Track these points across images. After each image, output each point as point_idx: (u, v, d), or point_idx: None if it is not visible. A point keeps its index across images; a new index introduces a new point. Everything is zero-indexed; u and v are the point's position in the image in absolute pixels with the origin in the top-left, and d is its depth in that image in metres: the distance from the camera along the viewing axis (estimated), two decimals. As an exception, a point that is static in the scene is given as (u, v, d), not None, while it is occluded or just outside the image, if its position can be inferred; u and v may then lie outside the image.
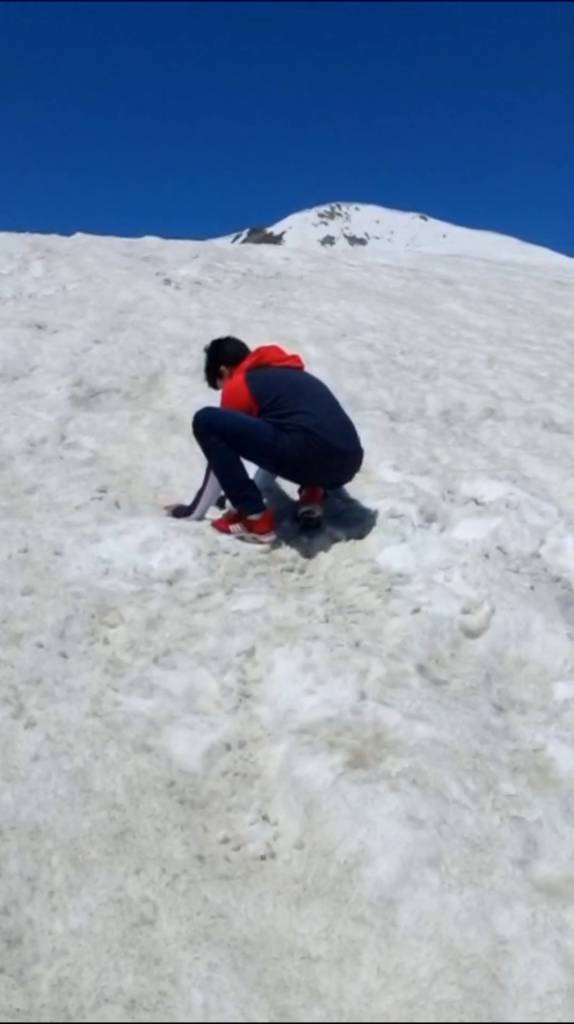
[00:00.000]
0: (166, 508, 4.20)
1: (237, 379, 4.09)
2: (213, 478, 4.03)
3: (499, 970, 1.83)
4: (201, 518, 4.06)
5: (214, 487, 4.06)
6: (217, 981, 1.78)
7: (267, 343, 4.42)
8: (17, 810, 2.14)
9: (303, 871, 2.09)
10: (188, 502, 4.17)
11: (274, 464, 4.05)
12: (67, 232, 14.93)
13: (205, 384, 4.56)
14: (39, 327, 7.56)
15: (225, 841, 2.18)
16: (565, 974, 1.81)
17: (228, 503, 4.16)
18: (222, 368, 4.33)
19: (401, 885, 1.99)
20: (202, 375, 4.56)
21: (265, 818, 2.26)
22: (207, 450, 3.97)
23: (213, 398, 4.30)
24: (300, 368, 4.26)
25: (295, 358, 4.30)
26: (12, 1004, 1.68)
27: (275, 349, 4.29)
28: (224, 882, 2.05)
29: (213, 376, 4.42)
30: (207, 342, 4.60)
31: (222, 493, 4.09)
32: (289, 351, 4.40)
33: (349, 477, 4.18)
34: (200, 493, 4.10)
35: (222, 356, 4.35)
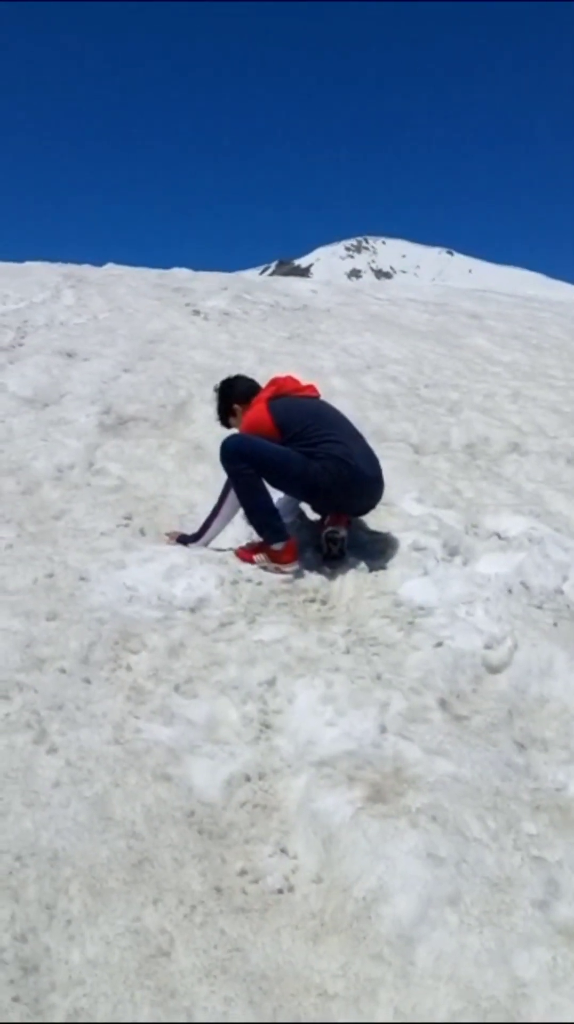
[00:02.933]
0: (169, 536, 4.20)
1: (258, 408, 4.11)
2: (226, 506, 4.05)
3: (518, 1013, 1.80)
4: (206, 544, 4.07)
5: (226, 515, 4.08)
6: (233, 1016, 1.77)
7: (291, 374, 4.46)
8: (37, 836, 2.15)
9: (321, 906, 2.07)
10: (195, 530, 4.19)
11: (303, 492, 4.08)
12: (99, 263, 15.18)
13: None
14: (70, 355, 7.68)
15: (243, 873, 2.17)
16: (586, 1020, 1.78)
17: (252, 532, 4.18)
18: (235, 406, 4.35)
19: (420, 924, 1.97)
20: None
21: (283, 851, 2.25)
22: (235, 477, 3.97)
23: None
24: (317, 397, 4.30)
25: (311, 387, 4.34)
26: (28, 1032, 1.68)
27: (291, 379, 4.33)
28: (241, 915, 2.04)
29: (226, 415, 4.43)
30: (227, 376, 4.62)
31: (232, 522, 4.11)
32: (316, 383, 4.45)
33: (373, 504, 4.21)
34: (210, 520, 4.11)
35: (234, 395, 4.37)
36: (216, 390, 4.50)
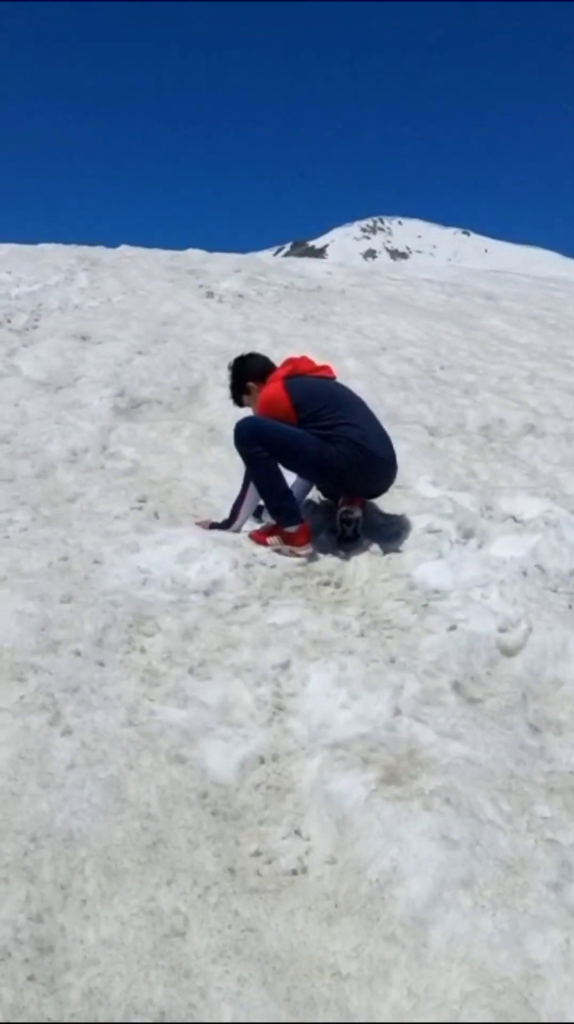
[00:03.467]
0: (200, 524, 4.19)
1: (274, 387, 4.08)
2: (252, 488, 4.05)
3: (531, 995, 1.80)
4: (239, 530, 4.08)
5: (253, 498, 4.07)
6: (246, 996, 1.78)
7: (304, 355, 4.43)
8: (52, 817, 2.16)
9: (335, 888, 2.08)
10: (221, 516, 4.18)
11: (319, 474, 4.07)
12: (113, 244, 15.14)
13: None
14: (84, 338, 7.67)
15: (257, 855, 2.18)
16: (599, 1002, 1.78)
17: (265, 515, 4.18)
18: (249, 384, 4.30)
19: (433, 906, 1.98)
20: None
21: (297, 833, 2.26)
22: (249, 460, 3.95)
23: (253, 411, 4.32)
24: (333, 378, 4.28)
25: (327, 368, 4.31)
26: (43, 1012, 1.69)
27: (306, 360, 4.30)
28: (255, 896, 2.05)
29: (239, 393, 4.38)
30: (240, 353, 4.60)
31: (260, 503, 4.10)
32: (331, 365, 4.42)
33: (387, 487, 4.19)
34: (239, 505, 4.11)
35: (248, 372, 4.32)
36: (230, 367, 4.46)
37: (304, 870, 2.15)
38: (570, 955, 1.87)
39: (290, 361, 4.28)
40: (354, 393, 4.24)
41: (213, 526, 4.11)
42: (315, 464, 3.95)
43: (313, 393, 4.04)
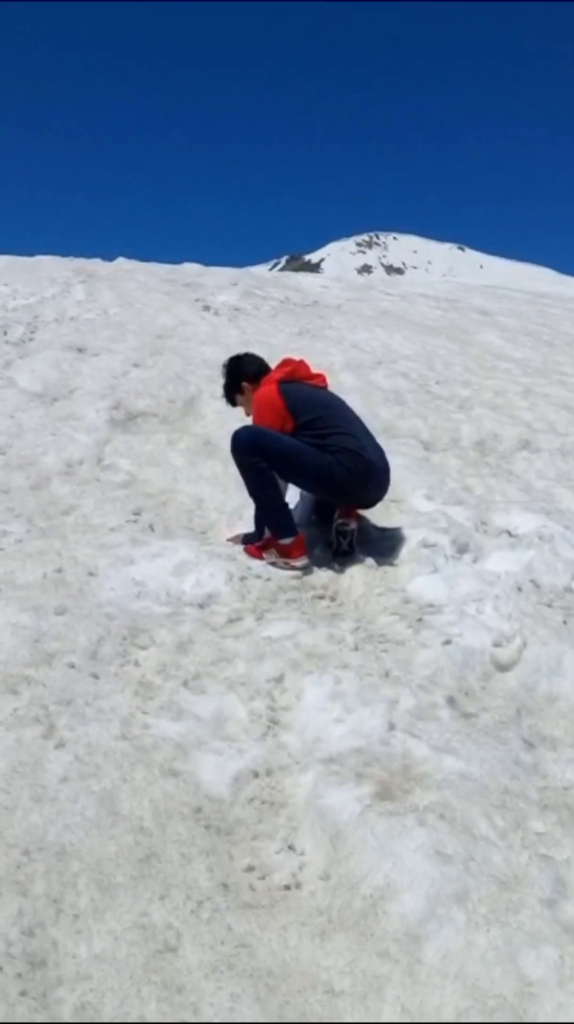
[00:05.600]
0: (231, 540, 4.18)
1: (269, 389, 4.05)
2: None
3: (525, 1012, 1.80)
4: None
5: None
6: (239, 1012, 1.77)
7: (302, 359, 4.41)
8: (45, 831, 2.15)
9: (328, 903, 2.07)
10: (226, 527, 4.19)
11: (317, 484, 4.06)
12: (109, 257, 15.17)
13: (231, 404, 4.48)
14: (80, 350, 7.68)
15: (250, 869, 2.17)
16: (593, 1020, 1.78)
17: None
18: (243, 384, 4.27)
19: (427, 921, 1.97)
20: None
21: (291, 847, 2.25)
22: (246, 470, 3.93)
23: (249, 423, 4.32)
24: (326, 387, 4.28)
25: (321, 377, 4.30)
26: (35, 1026, 1.68)
27: (304, 364, 4.26)
28: (248, 911, 2.04)
29: (233, 393, 4.34)
30: (235, 353, 4.56)
31: (241, 518, 4.10)
32: (325, 374, 4.41)
33: (383, 495, 4.19)
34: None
35: (243, 372, 4.29)
36: (224, 366, 4.42)
37: (298, 885, 2.14)
38: (564, 972, 1.87)
39: (287, 362, 4.24)
40: (347, 404, 4.25)
41: (245, 539, 4.11)
42: (315, 473, 3.93)
43: (308, 401, 4.02)
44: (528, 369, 9.01)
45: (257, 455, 3.86)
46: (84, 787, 2.32)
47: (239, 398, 4.33)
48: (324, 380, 4.30)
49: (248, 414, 4.21)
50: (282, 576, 3.80)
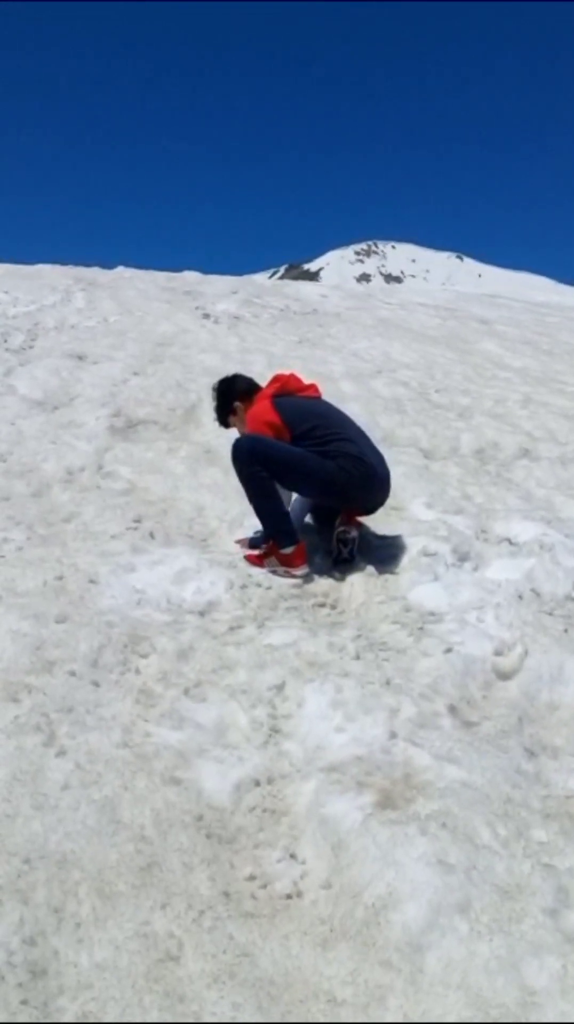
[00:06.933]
0: (238, 542, 4.21)
1: (263, 405, 4.06)
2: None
3: (528, 1021, 1.79)
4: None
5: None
6: (241, 1021, 1.76)
7: (292, 372, 4.42)
8: (46, 839, 2.15)
9: (330, 912, 2.07)
10: (227, 534, 4.19)
11: (321, 490, 4.05)
12: (109, 265, 15.22)
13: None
14: (80, 358, 7.70)
15: (252, 878, 2.16)
16: (596, 1030, 1.77)
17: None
18: (236, 404, 4.28)
19: (429, 931, 1.96)
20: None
21: (292, 856, 2.25)
22: (247, 480, 3.92)
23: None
24: (320, 397, 4.29)
25: (313, 387, 4.32)
26: (36, 1036, 1.67)
27: (294, 378, 4.29)
28: (250, 920, 2.03)
29: (225, 414, 4.35)
30: (224, 375, 4.56)
31: (242, 526, 4.10)
32: (325, 387, 4.43)
33: (384, 500, 4.19)
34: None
35: (235, 392, 4.30)
36: (214, 389, 4.42)
37: (299, 894, 2.13)
38: (567, 981, 1.86)
39: (278, 379, 4.26)
40: (342, 411, 4.25)
41: (252, 544, 4.13)
42: (318, 480, 3.93)
43: (304, 412, 4.04)
44: (528, 378, 9.03)
45: (257, 464, 3.86)
46: (85, 795, 2.32)
47: (232, 419, 4.34)
48: (317, 390, 4.31)
49: (242, 433, 4.21)
50: (283, 584, 3.79)
